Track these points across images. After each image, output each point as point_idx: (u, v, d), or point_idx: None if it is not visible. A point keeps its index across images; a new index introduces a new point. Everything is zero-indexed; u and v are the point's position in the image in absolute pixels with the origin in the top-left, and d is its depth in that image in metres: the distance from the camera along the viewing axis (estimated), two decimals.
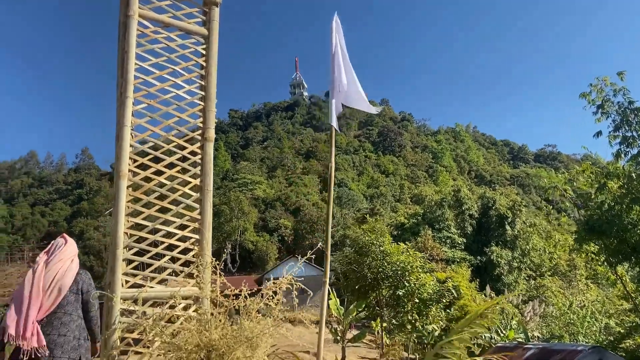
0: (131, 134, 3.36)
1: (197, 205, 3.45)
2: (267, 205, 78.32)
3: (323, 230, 64.66)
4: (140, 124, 3.43)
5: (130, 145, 3.33)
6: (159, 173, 3.35)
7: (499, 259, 49.91)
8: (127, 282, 3.07)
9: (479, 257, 50.68)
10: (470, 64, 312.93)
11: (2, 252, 78.27)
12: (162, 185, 3.32)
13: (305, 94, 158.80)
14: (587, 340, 13.87)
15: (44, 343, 3.34)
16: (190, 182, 3.49)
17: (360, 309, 17.74)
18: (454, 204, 58.04)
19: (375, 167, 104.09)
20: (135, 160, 3.34)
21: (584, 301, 19.81)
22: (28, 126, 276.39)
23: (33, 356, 3.32)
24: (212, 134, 3.60)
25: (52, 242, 3.87)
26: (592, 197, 11.32)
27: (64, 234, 3.97)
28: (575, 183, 12.95)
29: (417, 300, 14.87)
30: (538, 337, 16.39)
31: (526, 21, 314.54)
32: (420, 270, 14.97)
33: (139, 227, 3.27)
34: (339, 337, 17.86)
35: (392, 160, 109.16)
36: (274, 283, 3.36)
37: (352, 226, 65.23)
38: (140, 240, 3.24)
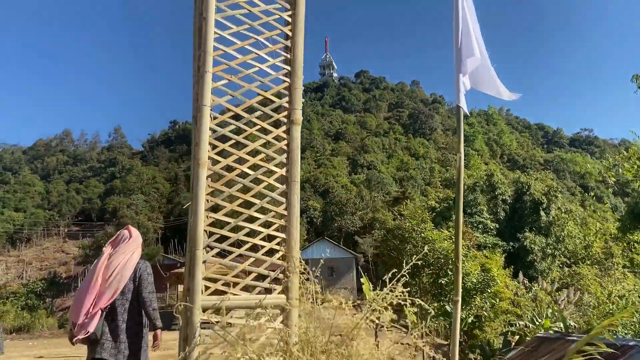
0: (210, 115, 2.93)
1: (282, 199, 3.01)
2: None
3: (352, 213, 64.51)
4: (220, 104, 2.99)
5: (210, 129, 2.90)
6: (240, 161, 2.92)
7: (533, 246, 48.76)
8: (206, 288, 2.68)
9: (511, 243, 49.66)
10: (503, 45, 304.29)
11: (39, 228, 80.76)
12: (243, 175, 2.90)
13: (335, 75, 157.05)
14: (626, 332, 13.20)
15: (93, 330, 3.55)
16: (275, 172, 3.04)
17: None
18: (486, 188, 56.73)
19: (405, 150, 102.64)
20: (214, 146, 2.92)
21: (621, 290, 19.00)
22: (63, 104, 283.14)
23: (90, 339, 3.60)
24: (299, 115, 3.13)
25: (119, 232, 4.08)
26: (634, 184, 10.47)
27: (129, 226, 4.20)
28: (620, 169, 12.06)
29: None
30: (574, 326, 15.76)
31: (562, 3, 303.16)
32: (463, 258, 14.46)
33: (217, 224, 2.86)
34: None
35: (422, 143, 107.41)
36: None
37: (381, 209, 64.64)
38: (220, 239, 2.83)
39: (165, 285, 44.87)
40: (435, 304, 15.27)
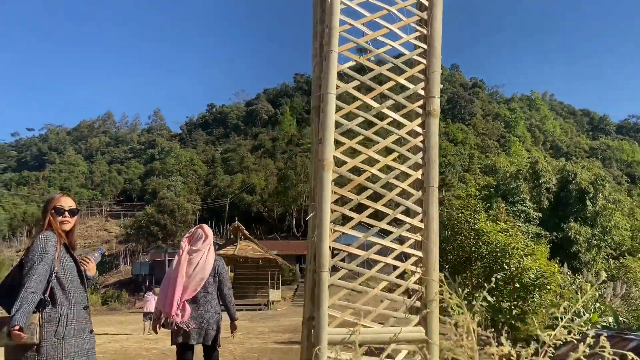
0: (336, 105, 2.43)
1: (418, 209, 2.49)
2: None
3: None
4: (347, 90, 2.49)
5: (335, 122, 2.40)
6: (369, 162, 2.42)
7: (577, 236, 46.88)
8: (332, 318, 2.20)
9: (554, 233, 47.95)
10: (548, 28, 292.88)
11: (82, 207, 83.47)
12: (373, 179, 2.40)
13: (372, 58, 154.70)
14: None
15: (187, 319, 4.14)
16: (410, 176, 2.52)
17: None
18: (530, 176, 54.73)
19: (443, 135, 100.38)
20: (339, 143, 2.43)
21: None
22: (106, 86, 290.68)
23: (183, 328, 4.12)
24: (437, 105, 2.59)
25: (193, 230, 4.56)
26: None
27: (203, 225, 4.66)
28: None
29: (517, 286, 13.62)
30: (623, 322, 14.86)
31: None
32: (521, 252, 13.66)
33: (342, 238, 2.38)
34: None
35: (461, 128, 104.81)
36: None
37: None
38: (346, 258, 2.36)
39: None
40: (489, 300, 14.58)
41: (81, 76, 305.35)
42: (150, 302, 16.33)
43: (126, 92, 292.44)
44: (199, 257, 4.30)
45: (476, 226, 13.92)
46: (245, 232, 35.73)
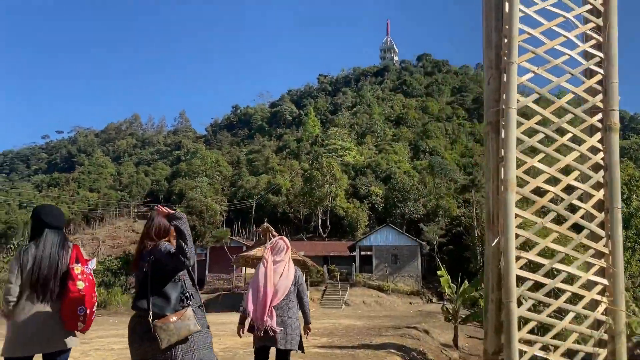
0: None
1: (601, 232, 2.31)
2: (356, 171, 77.41)
3: (415, 199, 63.03)
4: (526, 105, 2.31)
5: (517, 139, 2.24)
6: (551, 181, 2.25)
7: None
8: (523, 353, 2.04)
9: None
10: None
11: (111, 207, 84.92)
12: (555, 200, 2.23)
13: (396, 58, 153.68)
14: None
15: (276, 323, 4.46)
16: (591, 196, 2.33)
17: (478, 287, 16.46)
18: None
19: (469, 136, 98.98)
20: (521, 162, 2.26)
21: None
22: (132, 88, 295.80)
23: (268, 332, 4.46)
24: (616, 118, 2.41)
25: (273, 240, 4.93)
26: None
27: (283, 237, 5.05)
28: None
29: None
30: None
31: None
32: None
33: (530, 266, 2.22)
34: (450, 317, 16.70)
35: None
36: None
37: (445, 196, 62.72)
38: (534, 287, 2.19)
39: (232, 267, 45.78)
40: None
41: (108, 79, 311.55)
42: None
43: (152, 94, 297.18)
44: (282, 267, 4.65)
45: None
46: (275, 233, 35.73)
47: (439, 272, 17.69)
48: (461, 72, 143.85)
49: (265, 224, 35.34)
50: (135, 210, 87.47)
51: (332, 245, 54.28)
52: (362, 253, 47.03)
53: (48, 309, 3.17)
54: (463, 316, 16.62)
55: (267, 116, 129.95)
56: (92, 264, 3.43)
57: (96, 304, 3.33)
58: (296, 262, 33.63)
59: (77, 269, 3.24)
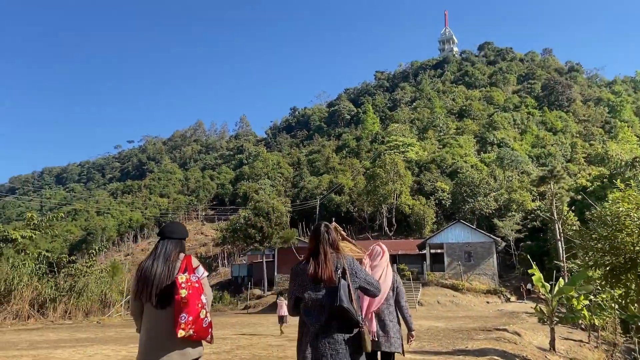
0: None
1: None
2: (420, 167, 75.37)
3: (485, 194, 60.24)
4: None
5: None
6: None
7: None
8: None
9: None
10: None
11: (181, 211, 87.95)
12: None
13: (456, 49, 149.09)
14: None
15: (375, 329, 4.55)
16: None
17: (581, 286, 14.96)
18: None
19: (540, 125, 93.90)
20: None
21: None
22: (195, 96, 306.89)
23: (372, 337, 4.46)
24: None
25: (372, 247, 4.86)
26: None
27: (380, 243, 4.96)
28: None
29: None
30: None
31: None
32: None
33: None
34: (545, 318, 15.26)
35: (559, 116, 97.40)
36: None
37: (518, 189, 59.51)
38: None
39: None
40: None
41: (173, 87, 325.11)
42: (282, 307, 17.73)
43: (214, 101, 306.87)
44: (380, 272, 4.62)
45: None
46: (343, 233, 35.06)
47: (529, 271, 16.24)
48: (527, 58, 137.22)
49: (334, 224, 34.82)
50: (203, 213, 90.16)
51: (399, 244, 52.85)
52: (432, 251, 45.28)
53: (164, 318, 3.32)
54: (557, 318, 15.20)
55: (325, 116, 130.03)
56: (200, 272, 3.45)
57: (206, 311, 3.35)
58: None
59: (182, 277, 3.31)
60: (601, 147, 76.47)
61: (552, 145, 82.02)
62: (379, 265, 4.62)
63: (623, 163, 50.65)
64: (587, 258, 12.60)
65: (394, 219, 61.75)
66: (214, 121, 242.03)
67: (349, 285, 3.26)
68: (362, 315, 4.10)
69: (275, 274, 48.02)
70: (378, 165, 64.36)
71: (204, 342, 3.48)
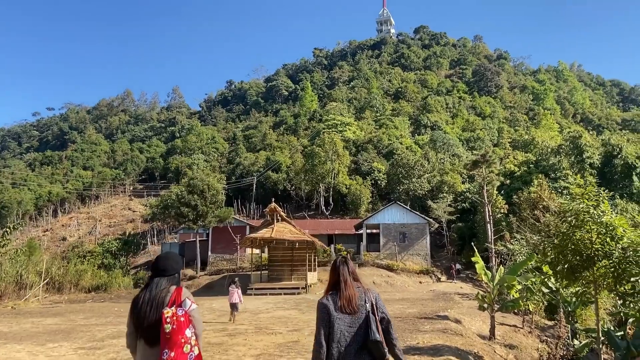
0: None
1: None
2: (357, 147, 75.91)
3: (419, 176, 61.69)
4: None
5: None
6: None
7: (624, 213, 44.75)
8: None
9: None
10: None
11: (106, 186, 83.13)
12: None
13: (393, 30, 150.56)
14: None
15: None
16: None
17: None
18: (571, 151, 52.38)
19: (470, 109, 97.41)
20: None
21: None
22: (123, 64, 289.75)
23: None
24: None
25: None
26: None
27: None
28: None
29: None
30: None
31: None
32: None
33: None
34: (485, 305, 15.66)
35: (488, 101, 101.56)
36: None
37: (449, 172, 61.46)
38: None
39: (235, 247, 44.55)
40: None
41: (97, 54, 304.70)
42: (234, 294, 16.95)
43: (144, 69, 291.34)
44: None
45: (603, 219, 11.63)
46: (282, 213, 34.41)
47: (473, 259, 16.51)
48: (459, 44, 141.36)
49: (273, 204, 34.04)
50: (131, 188, 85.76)
51: (336, 224, 53.14)
52: (369, 231, 45.88)
53: (153, 355, 3.32)
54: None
55: (262, 91, 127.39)
56: (186, 305, 3.44)
57: (191, 345, 3.34)
58: (305, 242, 32.06)
59: (168, 312, 3.32)
60: (525, 132, 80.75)
61: (480, 129, 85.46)
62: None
63: (549, 150, 53.53)
64: (547, 252, 12.45)
65: (331, 199, 61.93)
66: (144, 91, 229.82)
67: (376, 320, 3.41)
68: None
69: (209, 253, 46.68)
70: (317, 144, 63.97)
71: None
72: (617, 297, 12.24)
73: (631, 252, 10.42)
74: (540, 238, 14.39)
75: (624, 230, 10.74)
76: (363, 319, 3.39)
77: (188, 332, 3.32)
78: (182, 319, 3.31)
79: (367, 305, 3.45)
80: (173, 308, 3.33)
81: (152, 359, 3.30)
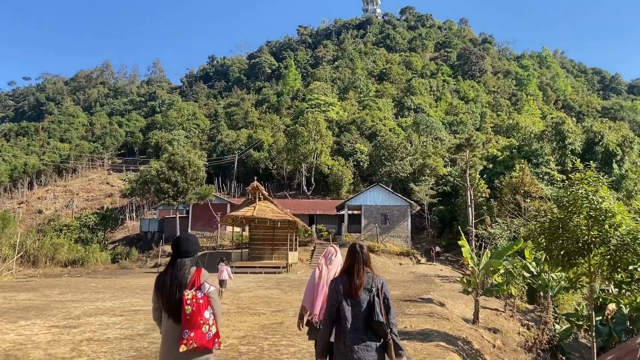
0: None
1: None
2: (340, 128, 75.44)
3: (402, 158, 61.69)
4: None
5: None
6: None
7: None
8: None
9: None
10: None
11: (84, 159, 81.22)
12: None
13: (379, 10, 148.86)
14: None
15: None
16: None
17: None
18: (553, 137, 52.81)
19: (454, 93, 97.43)
20: None
21: None
22: (103, 35, 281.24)
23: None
24: None
25: (327, 249, 5.27)
26: None
27: (333, 245, 5.51)
28: None
29: None
30: None
31: None
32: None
33: None
34: (470, 289, 15.65)
35: (472, 85, 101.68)
36: None
37: (432, 155, 61.55)
38: None
39: (216, 225, 44.09)
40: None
41: (78, 23, 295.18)
42: (223, 271, 16.65)
43: (124, 41, 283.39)
44: (335, 269, 4.89)
45: (601, 205, 11.31)
46: (265, 192, 34.00)
47: (459, 242, 16.39)
48: (445, 27, 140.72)
49: (255, 183, 33.58)
50: (110, 162, 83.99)
51: (318, 204, 52.92)
52: (350, 212, 45.81)
53: (175, 329, 3.57)
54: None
55: (245, 68, 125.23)
56: (205, 288, 3.66)
57: (209, 325, 3.59)
58: (287, 221, 31.68)
59: (188, 294, 3.54)
60: (507, 117, 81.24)
61: (464, 113, 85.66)
62: (334, 264, 4.97)
63: (532, 135, 53.87)
64: (540, 239, 12.13)
65: (312, 179, 61.60)
66: (123, 63, 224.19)
67: (380, 303, 3.78)
68: (314, 307, 4.81)
69: (189, 230, 46.12)
70: (300, 124, 63.29)
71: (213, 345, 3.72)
72: (613, 285, 12.19)
73: (629, 240, 10.19)
74: (522, 222, 14.29)
75: (622, 217, 10.52)
76: (368, 301, 3.76)
77: (207, 314, 3.57)
78: (201, 301, 3.55)
79: (374, 290, 3.80)
80: (193, 290, 3.58)
81: (174, 331, 3.58)
